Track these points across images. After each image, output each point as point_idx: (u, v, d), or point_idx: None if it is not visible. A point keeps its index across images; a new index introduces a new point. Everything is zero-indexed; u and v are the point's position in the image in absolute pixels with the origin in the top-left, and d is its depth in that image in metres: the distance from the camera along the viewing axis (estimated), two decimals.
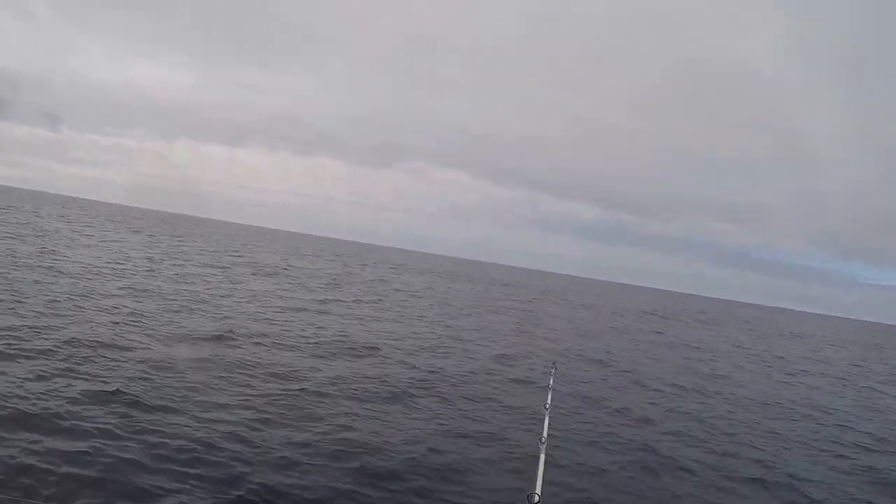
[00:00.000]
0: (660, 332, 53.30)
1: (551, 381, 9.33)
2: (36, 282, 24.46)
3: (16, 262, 29.32)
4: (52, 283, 24.87)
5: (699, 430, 17.88)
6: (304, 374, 17.11)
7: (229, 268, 49.97)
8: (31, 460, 9.18)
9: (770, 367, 39.22)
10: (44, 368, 13.57)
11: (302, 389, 15.43)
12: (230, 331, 21.07)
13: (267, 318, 25.88)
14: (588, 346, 34.85)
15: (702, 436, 17.34)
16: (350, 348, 21.93)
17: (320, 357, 19.85)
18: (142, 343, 17.58)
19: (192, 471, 9.78)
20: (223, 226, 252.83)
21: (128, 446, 10.25)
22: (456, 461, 12.09)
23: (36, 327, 17.07)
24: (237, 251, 78.36)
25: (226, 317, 24.39)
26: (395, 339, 25.83)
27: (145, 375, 14.35)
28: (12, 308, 18.98)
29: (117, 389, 12.87)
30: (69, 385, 12.81)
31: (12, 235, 44.20)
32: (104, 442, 10.26)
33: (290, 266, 63.88)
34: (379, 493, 10.15)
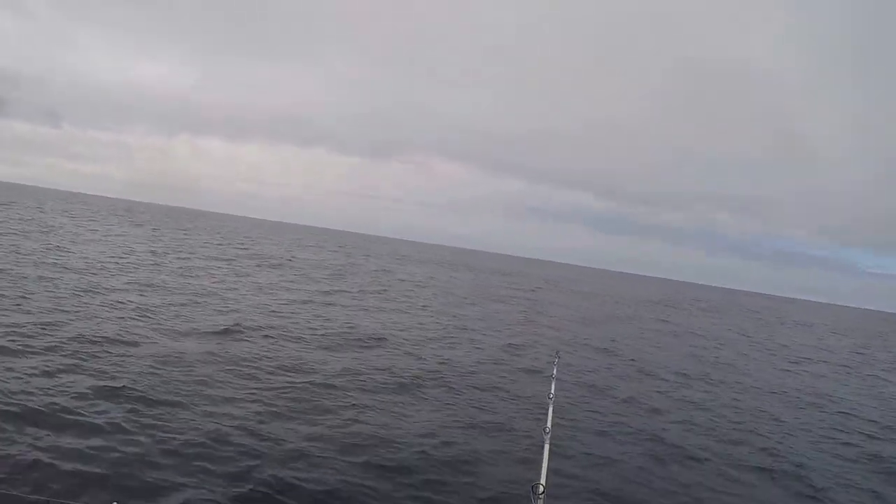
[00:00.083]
0: (664, 321, 53.36)
1: (555, 371, 9.36)
2: (41, 277, 24.47)
3: (21, 258, 29.34)
4: (58, 279, 24.89)
5: (705, 419, 17.92)
6: (312, 367, 17.12)
7: (234, 260, 50.03)
8: (39, 456, 9.19)
9: (774, 355, 39.27)
10: (50, 364, 13.57)
11: (310, 382, 15.46)
12: (237, 324, 21.09)
13: (273, 311, 25.91)
14: (593, 335, 34.91)
15: (708, 424, 17.39)
16: (357, 339, 21.98)
17: (327, 349, 19.88)
18: (148, 338, 17.57)
19: (200, 465, 9.80)
20: (225, 219, 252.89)
21: (135, 441, 10.26)
22: (464, 452, 12.11)
23: (42, 323, 17.05)
24: (241, 243, 78.42)
25: (232, 310, 24.42)
26: (400, 330, 25.89)
27: (152, 370, 14.36)
28: (18, 304, 18.98)
29: (124, 385, 12.87)
30: (76, 381, 12.82)
31: (16, 231, 44.20)
32: (112, 437, 10.28)
33: (293, 258, 63.92)
34: (387, 485, 10.17)
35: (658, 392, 20.82)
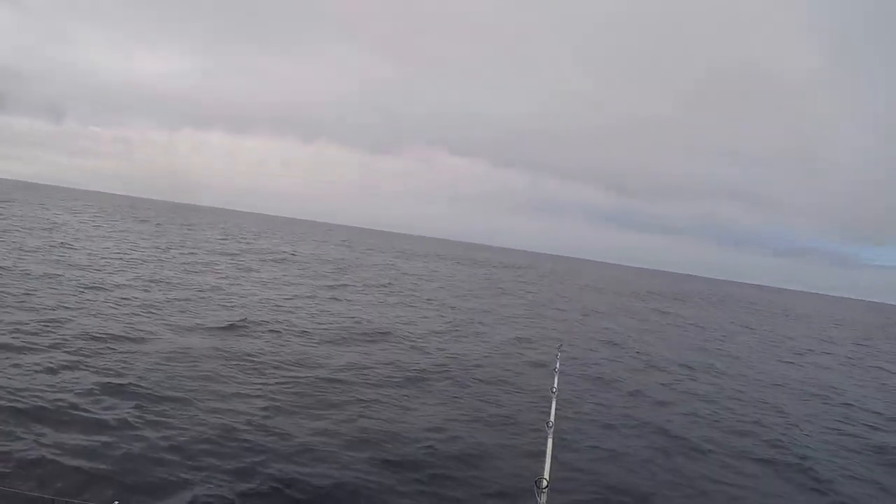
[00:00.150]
0: (668, 313, 53.35)
1: (557, 365, 9.39)
2: (45, 274, 24.52)
3: (25, 255, 29.39)
4: (62, 276, 24.95)
5: (709, 411, 17.94)
6: (318, 361, 17.16)
7: (238, 255, 50.03)
8: (44, 453, 9.20)
9: (777, 346, 39.28)
10: (55, 361, 13.59)
11: (316, 376, 15.50)
12: (243, 319, 21.14)
13: (278, 305, 25.95)
14: (598, 328, 34.96)
15: (712, 416, 17.42)
16: (362, 334, 22.03)
17: (333, 343, 19.92)
18: (154, 333, 17.60)
19: (207, 461, 9.82)
20: (228, 214, 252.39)
21: (142, 438, 10.27)
22: (469, 446, 12.14)
23: (46, 320, 17.09)
24: (244, 239, 78.36)
25: (238, 305, 24.48)
26: (405, 324, 25.94)
27: (158, 366, 14.38)
28: (23, 301, 19.02)
29: (130, 382, 12.90)
30: (81, 377, 12.85)
31: (19, 228, 44.21)
32: (118, 434, 10.29)
33: (297, 252, 63.88)
34: (393, 479, 10.20)
35: (662, 384, 20.85)
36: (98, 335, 16.36)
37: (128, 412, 11.29)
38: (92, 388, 12.24)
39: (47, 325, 16.56)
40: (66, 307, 19.27)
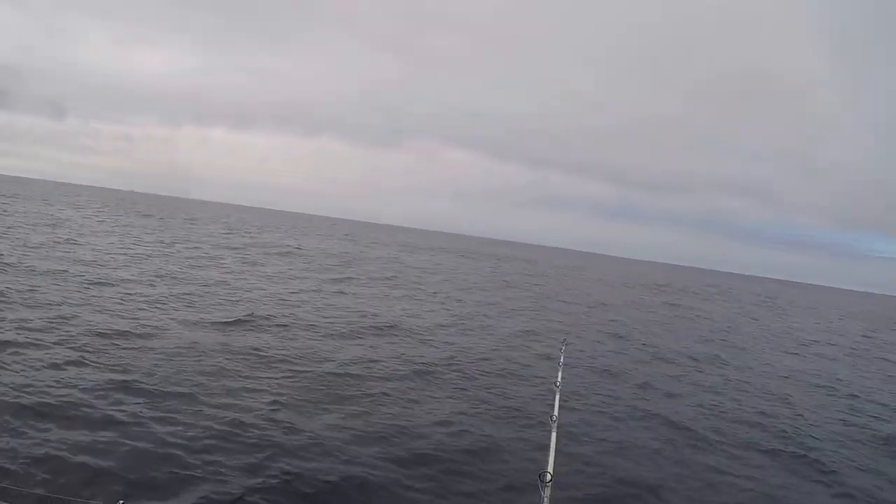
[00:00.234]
0: (673, 305, 53.38)
1: (562, 359, 9.37)
2: (50, 271, 24.58)
3: (30, 251, 29.49)
4: (67, 272, 25.02)
5: (715, 402, 17.94)
6: (325, 355, 17.17)
7: (242, 249, 50.14)
8: (49, 450, 9.17)
9: (783, 338, 39.28)
10: (60, 358, 13.57)
11: (323, 371, 15.49)
12: (249, 314, 21.16)
13: (284, 300, 25.99)
14: (603, 320, 35.00)
15: (718, 407, 17.42)
16: (368, 327, 22.04)
17: (339, 337, 19.93)
18: (160, 329, 17.60)
19: (214, 458, 9.79)
20: (231, 209, 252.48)
21: (148, 434, 10.24)
22: (477, 440, 12.13)
23: (51, 317, 17.10)
24: (248, 233, 78.47)
25: (243, 299, 24.53)
26: (411, 317, 25.98)
27: (164, 362, 14.37)
28: (28, 297, 19.02)
29: (136, 378, 12.87)
30: (86, 374, 12.83)
31: (22, 224, 44.31)
32: (124, 431, 10.25)
33: (302, 246, 63.94)
34: (400, 473, 10.20)
35: (669, 376, 20.86)
36: (104, 331, 16.37)
37: (134, 408, 11.27)
38: (98, 384, 12.22)
39: (52, 322, 16.57)
40: (72, 303, 19.28)
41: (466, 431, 12.57)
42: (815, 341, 40.31)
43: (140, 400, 11.74)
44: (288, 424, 11.54)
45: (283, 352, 16.88)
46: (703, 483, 11.79)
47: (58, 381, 12.10)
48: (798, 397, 20.45)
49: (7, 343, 14.04)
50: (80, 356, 13.88)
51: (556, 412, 6.59)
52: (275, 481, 9.28)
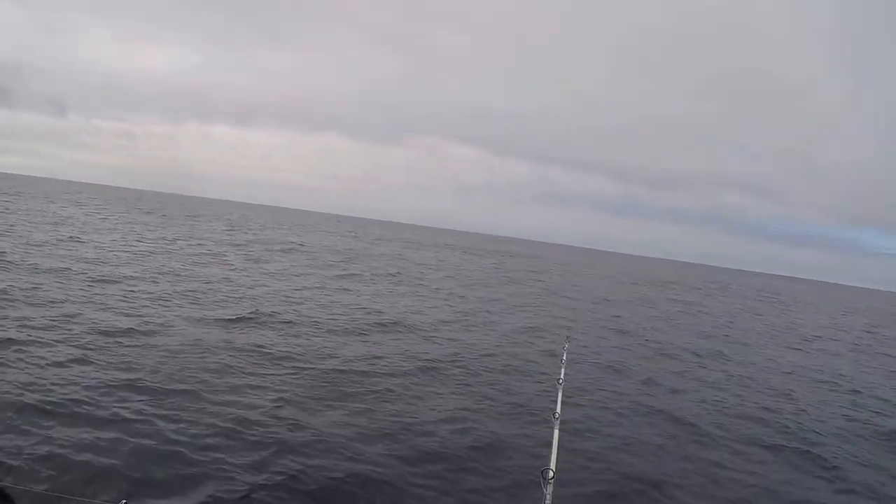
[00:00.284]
0: (677, 301, 53.49)
1: (564, 357, 9.39)
2: (53, 268, 24.60)
3: (32, 249, 29.55)
4: (70, 269, 25.07)
5: (719, 397, 17.98)
6: (329, 352, 17.18)
7: (244, 246, 50.18)
8: (52, 449, 9.14)
9: (785, 334, 39.30)
10: (63, 356, 13.54)
11: (327, 368, 15.48)
12: (253, 311, 21.16)
13: (287, 296, 26.03)
14: (607, 315, 35.06)
15: (721, 402, 17.44)
16: (372, 324, 22.06)
17: (344, 333, 19.96)
18: (164, 326, 17.60)
19: (218, 456, 9.76)
20: (234, 206, 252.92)
21: (151, 432, 10.21)
22: (480, 438, 12.12)
23: (55, 314, 17.09)
24: (251, 229, 78.56)
25: (247, 296, 24.54)
26: (415, 313, 26.03)
27: (168, 359, 14.36)
28: (31, 296, 19.02)
29: (140, 376, 12.83)
30: (89, 372, 12.80)
31: (26, 222, 44.39)
32: (127, 428, 10.22)
33: (304, 243, 64.01)
34: (403, 470, 10.20)
35: (672, 372, 20.89)
36: (107, 328, 16.36)
37: (138, 406, 11.26)
38: (101, 382, 12.18)
39: (56, 319, 16.55)
40: (75, 301, 19.28)
41: (471, 428, 12.58)
42: (817, 337, 40.35)
43: (144, 397, 11.72)
44: (292, 421, 11.55)
45: (288, 348, 16.89)
46: (706, 478, 11.80)
47: (61, 379, 12.07)
48: (801, 393, 20.48)
49: (10, 341, 14.01)
50: (84, 354, 13.86)
51: (558, 409, 6.63)
52: (279, 478, 9.27)
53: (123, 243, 38.75)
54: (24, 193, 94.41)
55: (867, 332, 51.47)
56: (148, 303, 20.54)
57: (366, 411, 12.76)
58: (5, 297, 18.35)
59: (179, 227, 63.07)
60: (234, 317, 19.96)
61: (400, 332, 21.53)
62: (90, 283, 22.53)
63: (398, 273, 44.37)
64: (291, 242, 62.41)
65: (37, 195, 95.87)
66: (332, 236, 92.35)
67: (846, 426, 17.02)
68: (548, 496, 4.91)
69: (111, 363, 13.53)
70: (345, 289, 31.17)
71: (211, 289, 25.26)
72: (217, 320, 19.24)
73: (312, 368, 15.26)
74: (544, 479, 5.01)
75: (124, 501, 4.37)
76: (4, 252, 26.65)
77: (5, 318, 16.10)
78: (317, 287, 30.40)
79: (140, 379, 12.67)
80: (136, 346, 15.20)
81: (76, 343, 14.66)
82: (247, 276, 31.20)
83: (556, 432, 6.00)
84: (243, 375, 14.02)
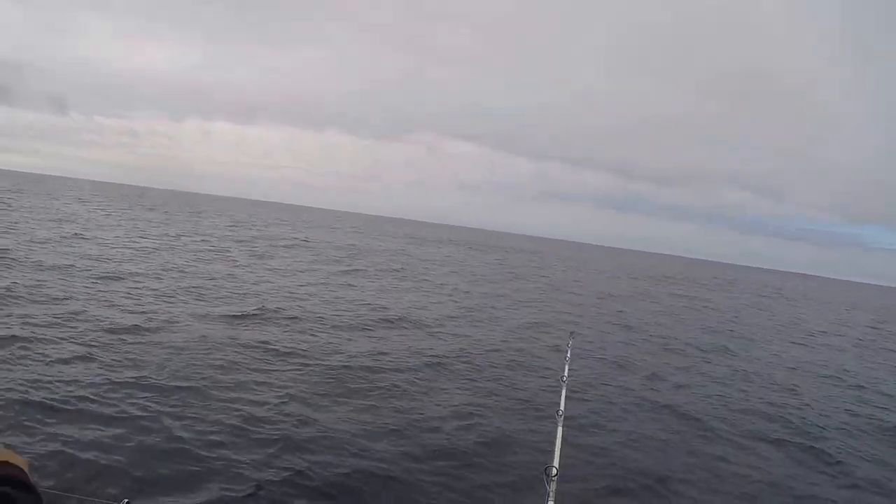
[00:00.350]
0: (680, 296, 53.45)
1: (568, 354, 9.37)
2: (56, 265, 24.62)
3: (36, 246, 29.58)
4: (74, 266, 25.10)
5: (723, 392, 17.99)
6: (335, 348, 17.19)
7: (249, 242, 50.26)
8: (56, 446, 9.13)
9: (789, 329, 39.31)
10: (68, 353, 13.53)
11: (333, 364, 15.48)
12: (259, 307, 21.16)
13: (292, 293, 26.03)
14: (612, 310, 35.07)
15: (726, 398, 17.45)
16: (377, 320, 22.05)
17: (349, 329, 19.95)
18: (168, 323, 17.61)
19: (223, 452, 9.78)
20: (236, 202, 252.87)
21: (156, 430, 10.20)
22: (487, 434, 12.13)
23: (58, 311, 17.08)
24: (254, 226, 78.60)
25: (252, 293, 24.56)
26: (419, 309, 26.06)
27: (172, 356, 14.33)
28: (33, 293, 18.99)
29: (145, 374, 12.80)
30: (94, 369, 12.79)
31: (30, 219, 44.42)
32: (131, 426, 10.21)
33: (308, 239, 63.99)
34: (408, 467, 10.22)
35: (677, 367, 20.90)
36: (111, 325, 16.36)
37: (143, 403, 11.25)
38: (106, 380, 12.16)
39: (60, 317, 16.53)
40: (79, 298, 19.27)
41: (477, 424, 12.58)
42: (822, 332, 40.38)
43: (149, 394, 11.72)
44: (298, 417, 11.57)
45: (293, 345, 16.90)
46: (710, 474, 11.81)
47: (65, 377, 12.06)
48: (805, 388, 20.50)
49: (14, 338, 13.99)
50: (88, 351, 13.85)
51: (562, 407, 6.63)
52: (286, 475, 9.29)
53: (127, 240, 38.79)
54: (26, 191, 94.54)
55: (872, 327, 51.49)
56: (152, 299, 20.56)
57: (371, 407, 12.79)
58: (9, 294, 18.33)
59: (183, 224, 63.14)
60: (239, 313, 19.95)
61: (405, 327, 21.55)
62: (94, 280, 22.53)
63: (402, 269, 44.42)
64: (295, 238, 62.46)
65: (39, 192, 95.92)
66: (335, 232, 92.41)
67: (850, 421, 17.04)
68: (551, 493, 4.92)
69: (116, 360, 13.52)
70: (349, 284, 31.17)
71: (215, 285, 25.28)
72: (222, 317, 19.25)
73: (318, 364, 15.27)
74: (547, 476, 5.00)
75: (126, 501, 4.36)
76: (8, 249, 26.67)
77: (9, 315, 16.08)
78: (321, 283, 30.41)
79: (145, 376, 12.66)
80: (140, 342, 15.19)
81: (80, 340, 14.65)
82: (251, 272, 31.23)
83: (560, 430, 6.01)
84: (249, 372, 14.01)
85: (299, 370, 14.67)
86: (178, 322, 17.84)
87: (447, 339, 20.39)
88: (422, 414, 12.78)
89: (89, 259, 27.59)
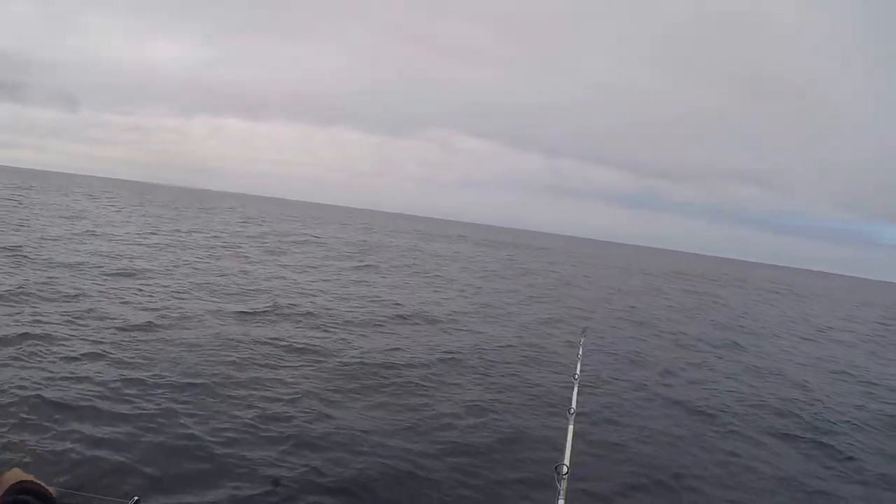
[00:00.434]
0: (691, 292, 53.39)
1: (580, 351, 9.42)
2: (67, 262, 24.70)
3: (47, 242, 29.77)
4: (85, 262, 25.20)
5: (734, 388, 18.00)
6: (348, 344, 17.21)
7: (259, 238, 50.36)
8: (67, 445, 9.13)
9: (799, 325, 39.22)
10: (79, 350, 13.54)
11: (346, 360, 15.52)
12: (273, 303, 21.26)
13: (304, 289, 26.11)
14: (624, 306, 35.06)
15: (736, 393, 17.45)
16: (390, 316, 22.10)
17: (361, 326, 19.99)
18: (180, 320, 17.64)
19: (234, 450, 9.76)
20: (246, 199, 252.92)
21: (167, 428, 10.18)
22: (500, 431, 12.13)
23: (70, 309, 17.10)
24: (266, 222, 78.74)
25: (264, 289, 24.60)
26: (431, 305, 26.10)
27: (184, 353, 14.33)
28: (43, 290, 19.01)
29: (156, 372, 12.78)
30: (106, 367, 12.78)
31: (40, 215, 44.58)
32: (142, 424, 10.17)
33: (319, 236, 64.08)
34: (423, 463, 10.23)
35: (688, 363, 20.90)
36: (123, 322, 16.37)
37: (155, 400, 11.26)
38: (117, 377, 12.16)
39: (71, 314, 16.57)
40: (90, 295, 19.30)
41: (490, 421, 12.58)
42: (831, 328, 40.25)
43: (161, 392, 11.72)
44: (312, 414, 11.59)
45: (306, 341, 16.93)
46: (723, 469, 11.81)
47: (78, 374, 12.08)
48: (815, 383, 20.46)
49: (26, 336, 14.00)
50: (100, 348, 13.87)
51: (573, 405, 6.65)
52: (300, 472, 9.30)
53: (138, 236, 38.91)
54: (36, 187, 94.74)
55: (881, 323, 51.27)
56: (165, 296, 20.61)
57: (385, 403, 12.81)
58: (21, 291, 18.36)
59: (193, 220, 63.29)
60: (251, 309, 20.00)
61: (418, 323, 21.59)
62: (106, 277, 22.63)
63: (413, 264, 44.48)
64: (306, 234, 62.60)
65: (49, 189, 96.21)
66: (346, 228, 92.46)
67: (861, 417, 17.00)
68: (562, 491, 4.95)
69: (128, 357, 13.53)
70: (361, 280, 31.24)
71: (228, 281, 25.34)
72: (235, 313, 19.29)
73: (331, 361, 15.30)
74: (558, 474, 5.02)
75: (136, 498, 4.39)
76: (20, 246, 26.76)
77: (21, 312, 16.12)
78: (333, 279, 30.49)
79: (157, 373, 12.67)
80: (153, 339, 15.20)
81: (93, 337, 14.68)
82: (263, 268, 31.31)
83: (571, 427, 6.04)
84: (262, 368, 14.04)
85: (312, 366, 14.70)
86: (190, 319, 17.88)
87: (460, 335, 20.42)
88: (436, 410, 12.79)
89: (101, 256, 27.67)
